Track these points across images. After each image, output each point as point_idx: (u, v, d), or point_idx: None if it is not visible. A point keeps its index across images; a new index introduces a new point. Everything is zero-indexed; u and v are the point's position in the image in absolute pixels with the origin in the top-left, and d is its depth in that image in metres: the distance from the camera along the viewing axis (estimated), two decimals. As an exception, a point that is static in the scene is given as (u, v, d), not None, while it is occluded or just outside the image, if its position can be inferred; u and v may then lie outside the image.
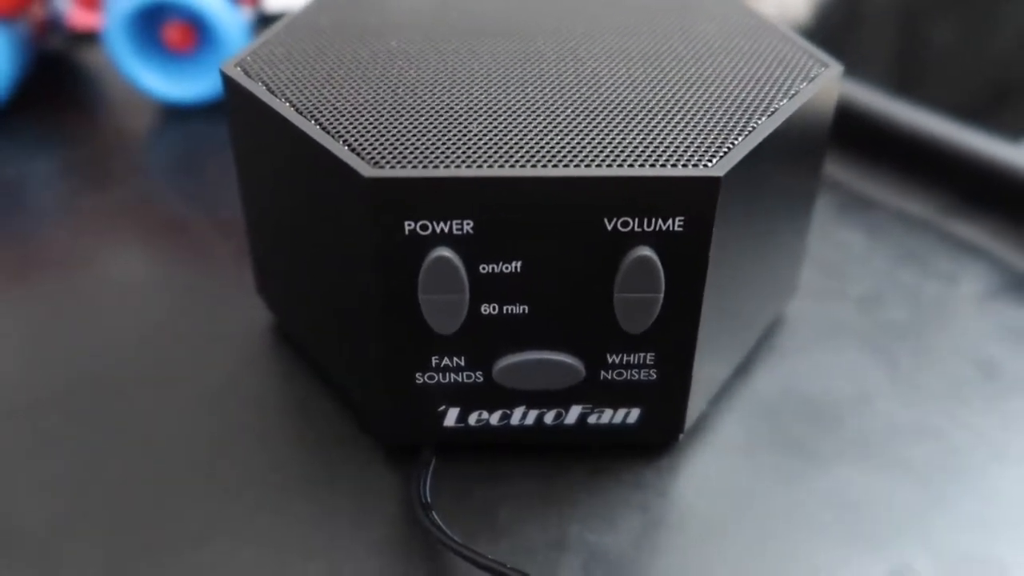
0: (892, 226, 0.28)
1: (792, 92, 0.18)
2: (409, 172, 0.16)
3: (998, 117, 0.56)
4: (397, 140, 0.16)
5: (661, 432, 0.19)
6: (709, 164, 0.16)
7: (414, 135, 0.17)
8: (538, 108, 0.17)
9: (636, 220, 0.16)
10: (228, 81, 0.19)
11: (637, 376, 0.18)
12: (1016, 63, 0.57)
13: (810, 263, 0.26)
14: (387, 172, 0.16)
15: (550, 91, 0.18)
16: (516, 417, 0.19)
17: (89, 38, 0.40)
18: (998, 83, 0.57)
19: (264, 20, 0.41)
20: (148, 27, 0.34)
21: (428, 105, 0.18)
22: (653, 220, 0.16)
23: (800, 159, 0.20)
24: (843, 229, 0.28)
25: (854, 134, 0.31)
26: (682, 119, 0.17)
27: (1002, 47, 0.58)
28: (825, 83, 0.19)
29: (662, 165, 0.16)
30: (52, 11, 0.38)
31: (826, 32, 0.63)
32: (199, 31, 0.34)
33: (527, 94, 0.18)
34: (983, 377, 0.22)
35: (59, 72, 0.39)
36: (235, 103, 0.19)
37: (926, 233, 0.28)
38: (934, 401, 0.22)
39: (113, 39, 0.33)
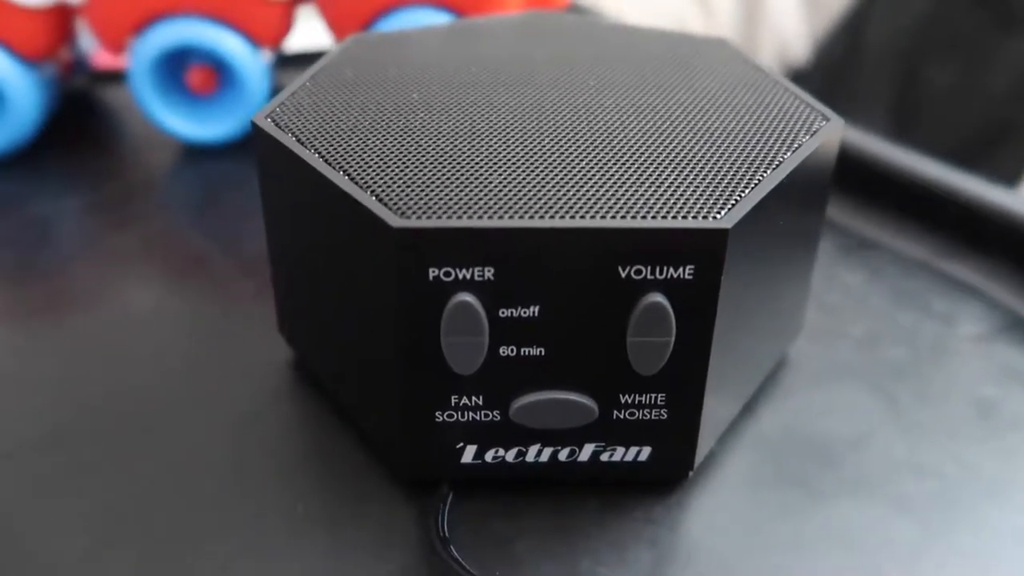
0: (891, 267, 0.29)
1: (796, 145, 0.19)
2: (434, 223, 0.16)
3: (994, 160, 0.57)
4: (422, 191, 0.17)
5: (671, 469, 0.20)
6: (718, 216, 0.17)
7: (437, 186, 0.17)
8: (553, 160, 0.18)
9: (648, 268, 0.17)
10: (258, 131, 0.20)
11: (648, 416, 0.19)
12: (1011, 107, 0.59)
13: (812, 304, 0.27)
14: (413, 223, 0.16)
15: (564, 143, 0.19)
16: (531, 454, 0.19)
17: (113, 78, 0.42)
18: (994, 126, 0.58)
19: (283, 61, 0.42)
20: (172, 70, 0.35)
21: (450, 156, 0.18)
22: (664, 268, 0.17)
23: (804, 208, 0.21)
24: (843, 271, 0.29)
25: (853, 178, 0.32)
26: (691, 172, 0.18)
27: (998, 91, 0.59)
28: (827, 136, 0.20)
29: (673, 217, 0.17)
30: (78, 52, 0.39)
31: (824, 75, 0.65)
32: (221, 74, 0.35)
33: (543, 146, 0.19)
34: (980, 416, 0.23)
35: (84, 111, 0.40)
36: (264, 152, 0.20)
37: (924, 274, 0.29)
38: (932, 439, 0.22)
39: (138, 82, 0.34)
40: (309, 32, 0.44)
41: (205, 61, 0.35)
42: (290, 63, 0.42)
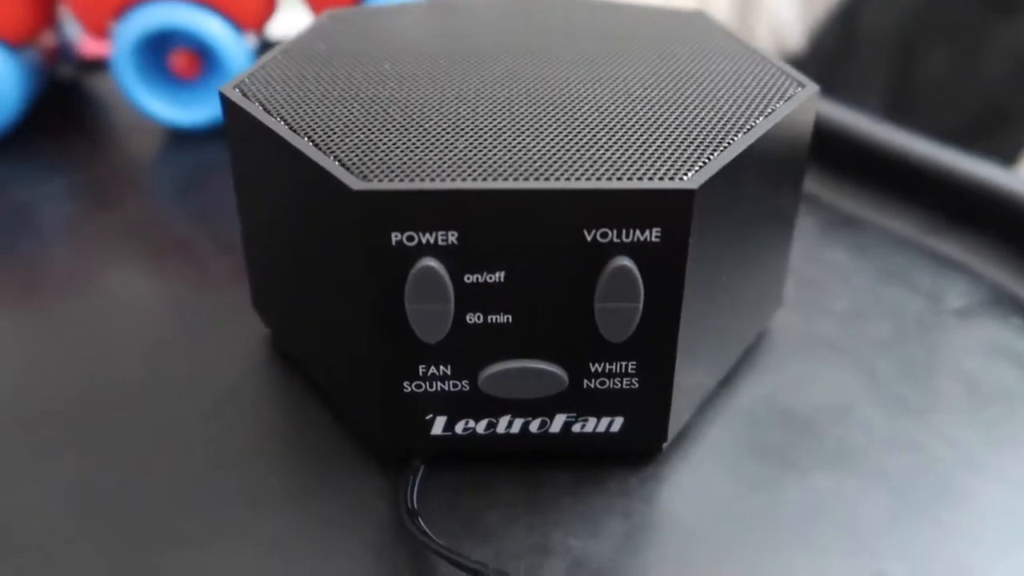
0: (876, 244, 0.29)
1: (769, 111, 0.19)
2: (396, 185, 0.16)
3: (990, 144, 0.57)
4: (386, 156, 0.17)
5: (645, 441, 0.20)
6: (684, 177, 0.17)
7: (402, 151, 0.17)
8: (522, 126, 0.18)
9: (614, 231, 0.17)
10: (226, 102, 0.20)
11: (619, 385, 0.19)
12: (1007, 91, 0.58)
13: (796, 280, 0.26)
14: (375, 185, 0.16)
15: (535, 111, 0.19)
16: (502, 426, 0.19)
17: (99, 66, 0.42)
18: (989, 111, 0.58)
19: (267, 47, 0.42)
20: (154, 54, 0.35)
21: (417, 124, 0.18)
22: (631, 231, 0.17)
23: (778, 175, 0.20)
24: (828, 248, 0.29)
25: (838, 155, 0.32)
26: (660, 135, 0.18)
27: (993, 76, 0.59)
28: (802, 102, 0.20)
29: (639, 178, 0.16)
30: (63, 39, 0.39)
31: (820, 62, 0.64)
32: (204, 58, 0.35)
33: (512, 114, 0.19)
34: (963, 391, 0.23)
35: (69, 98, 0.40)
36: (233, 123, 0.20)
37: (909, 250, 0.28)
38: (914, 414, 0.22)
39: (120, 66, 0.34)
40: (295, 18, 0.44)
41: (188, 45, 0.35)
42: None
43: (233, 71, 0.34)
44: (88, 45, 0.42)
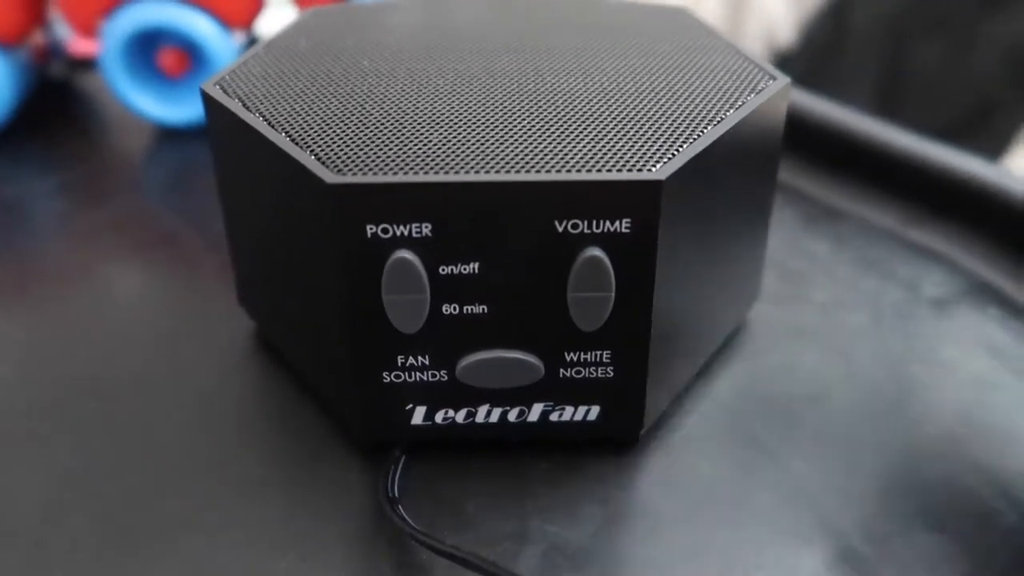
0: (857, 236, 0.29)
1: (739, 103, 0.19)
2: (370, 178, 0.17)
3: (979, 138, 0.57)
4: (361, 150, 0.17)
5: (621, 429, 0.20)
6: (653, 169, 0.17)
7: (377, 145, 0.18)
8: (496, 120, 0.18)
9: (585, 222, 0.17)
10: (207, 98, 0.20)
11: (595, 374, 0.19)
12: (996, 86, 0.58)
13: (776, 272, 0.27)
14: (349, 179, 0.17)
15: (509, 104, 0.19)
16: (481, 415, 0.19)
17: (88, 64, 0.42)
18: (979, 105, 0.58)
19: (255, 44, 0.42)
20: (143, 52, 0.35)
21: (393, 118, 0.19)
22: (601, 222, 0.17)
23: (750, 167, 0.21)
24: (809, 239, 0.29)
25: (819, 147, 0.32)
26: (631, 128, 0.18)
27: (983, 70, 0.59)
28: (773, 95, 0.20)
29: (608, 170, 0.17)
30: (53, 38, 0.40)
31: (811, 58, 0.65)
32: (192, 56, 0.35)
33: (487, 107, 0.19)
34: (940, 377, 0.23)
35: (59, 97, 0.40)
36: (214, 119, 0.21)
37: (890, 242, 0.29)
38: (889, 403, 0.22)
39: (109, 64, 0.35)
40: (282, 16, 0.44)
41: (176, 43, 0.35)
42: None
43: (221, 68, 0.35)
44: (78, 44, 0.42)
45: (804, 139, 0.32)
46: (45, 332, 0.25)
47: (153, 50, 0.35)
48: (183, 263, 0.28)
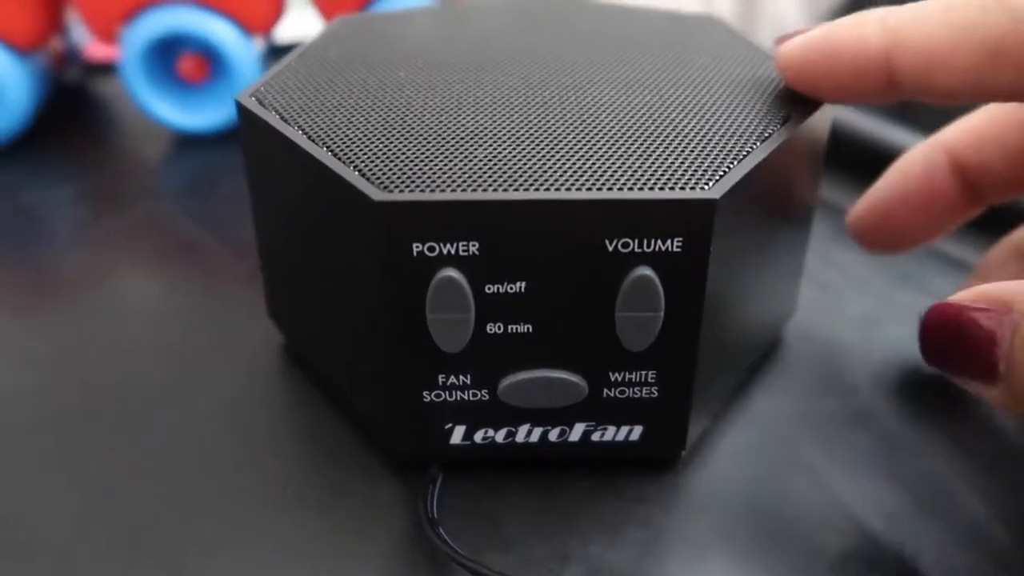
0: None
1: (787, 117, 0.19)
2: (417, 196, 0.16)
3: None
4: (405, 166, 0.17)
5: (664, 448, 0.20)
6: (706, 187, 0.17)
7: (422, 161, 0.17)
8: (540, 135, 0.18)
9: (636, 241, 0.17)
10: (243, 110, 0.20)
11: (639, 394, 0.19)
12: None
13: (809, 284, 0.26)
14: (396, 196, 0.16)
15: (552, 119, 0.19)
16: (521, 435, 0.19)
17: (105, 69, 0.42)
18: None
19: (275, 51, 0.42)
20: (163, 58, 0.35)
21: (435, 132, 0.18)
22: (652, 241, 0.17)
23: (796, 182, 0.20)
24: (841, 251, 0.29)
25: (851, 158, 0.32)
26: (680, 144, 0.18)
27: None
28: (819, 110, 0.20)
29: (660, 188, 0.16)
30: (70, 43, 0.39)
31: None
32: (212, 62, 0.35)
33: (530, 122, 0.19)
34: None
35: (76, 102, 0.40)
36: (249, 131, 0.20)
37: (922, 253, 0.28)
38: (931, 418, 0.22)
39: (129, 71, 0.34)
40: (302, 22, 0.44)
41: (196, 49, 0.35)
42: (282, 53, 0.42)
43: (241, 75, 0.34)
44: (94, 49, 0.42)
45: (832, 148, 0.32)
46: (68, 341, 0.25)
47: (173, 56, 0.35)
48: (205, 272, 0.28)
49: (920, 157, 0.23)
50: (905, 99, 0.18)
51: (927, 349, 0.18)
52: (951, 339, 0.17)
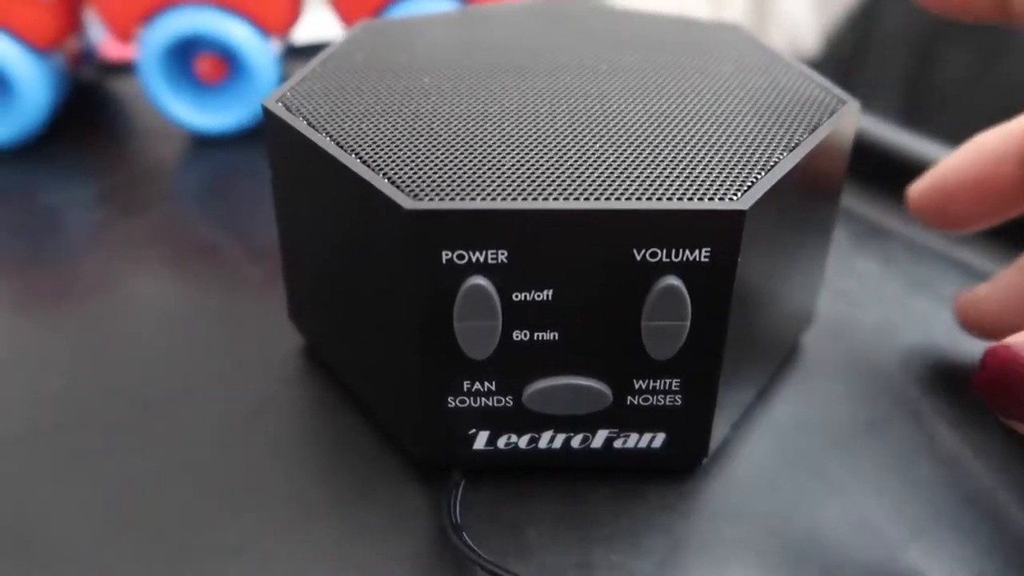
0: (905, 255, 0.29)
1: (813, 127, 0.19)
2: (447, 204, 0.16)
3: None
4: (434, 173, 0.17)
5: (686, 456, 0.20)
6: (735, 198, 0.17)
7: (450, 169, 0.17)
8: (567, 142, 0.18)
9: (664, 251, 0.17)
10: (269, 115, 0.20)
11: (663, 401, 0.19)
12: (1026, 93, 0.58)
13: (826, 291, 0.26)
14: (426, 204, 0.16)
15: (578, 126, 0.19)
16: (544, 441, 0.19)
17: (122, 69, 0.42)
18: (1009, 113, 0.57)
19: (293, 52, 0.42)
20: (180, 59, 0.35)
21: (462, 140, 0.18)
22: (680, 251, 0.17)
23: (820, 192, 0.20)
24: (857, 258, 0.29)
25: (866, 164, 0.32)
26: (707, 153, 0.18)
27: (1013, 78, 0.58)
28: (844, 118, 0.20)
29: (689, 198, 0.16)
30: (86, 43, 0.39)
31: (836, 65, 0.64)
32: (230, 63, 0.35)
33: (556, 129, 0.19)
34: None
35: (93, 102, 0.40)
36: (275, 136, 0.20)
37: (938, 261, 0.28)
38: (949, 426, 0.22)
39: (147, 72, 0.34)
40: (318, 23, 0.44)
41: (214, 50, 0.35)
42: (299, 54, 0.42)
43: (259, 76, 0.34)
44: (110, 48, 0.42)
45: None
46: (86, 344, 0.25)
47: (190, 57, 0.35)
48: (225, 274, 0.28)
49: (993, 143, 0.23)
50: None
51: (988, 395, 0.17)
52: (1014, 386, 0.16)
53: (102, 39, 0.41)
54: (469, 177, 0.17)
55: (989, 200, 0.23)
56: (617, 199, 0.16)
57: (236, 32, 0.34)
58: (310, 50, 0.42)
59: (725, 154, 0.18)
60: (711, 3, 0.67)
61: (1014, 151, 0.22)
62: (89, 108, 0.39)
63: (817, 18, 0.67)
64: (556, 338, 0.18)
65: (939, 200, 0.23)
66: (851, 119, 0.20)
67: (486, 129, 0.19)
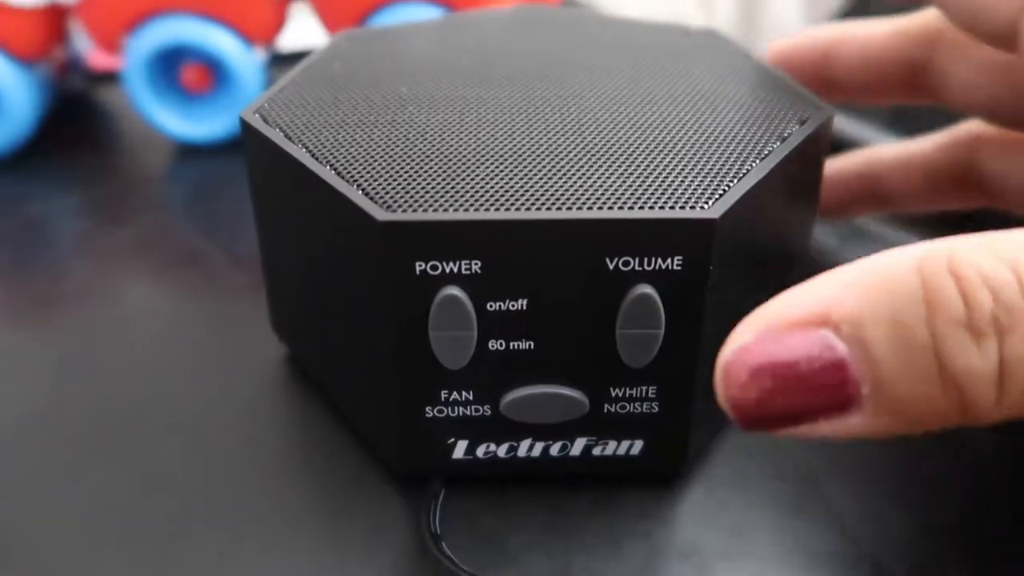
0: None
1: (785, 135, 0.19)
2: (420, 216, 0.16)
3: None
4: (408, 185, 0.17)
5: (665, 463, 0.20)
6: (705, 206, 0.17)
7: (424, 180, 0.17)
8: (542, 152, 0.18)
9: (636, 260, 0.17)
10: (247, 127, 0.20)
11: (640, 409, 0.19)
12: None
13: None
14: (399, 216, 0.16)
15: (553, 136, 0.19)
16: (523, 449, 0.19)
17: (108, 78, 0.42)
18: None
19: (278, 60, 0.42)
20: (166, 69, 0.35)
21: (437, 150, 0.18)
22: (653, 259, 0.17)
23: (795, 199, 0.20)
24: (838, 260, 0.29)
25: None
26: (679, 162, 0.18)
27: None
28: (817, 125, 0.20)
29: (660, 207, 0.17)
30: (72, 52, 0.39)
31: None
32: (215, 72, 0.35)
33: (531, 139, 0.19)
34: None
35: (79, 111, 0.40)
36: (253, 148, 0.20)
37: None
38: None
39: (132, 81, 0.34)
40: (303, 30, 0.44)
41: (199, 59, 0.35)
42: (284, 62, 0.42)
43: (244, 85, 0.34)
44: (96, 57, 0.42)
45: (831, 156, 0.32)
46: (72, 354, 0.25)
47: (175, 66, 0.35)
48: (210, 284, 0.28)
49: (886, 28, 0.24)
50: None
51: (760, 414, 0.14)
52: (792, 389, 0.14)
53: (88, 49, 0.41)
54: (443, 188, 0.17)
55: (872, 66, 0.23)
56: (589, 208, 0.17)
57: (220, 41, 0.34)
58: (296, 57, 0.43)
59: (698, 162, 0.18)
60: (700, 5, 0.67)
61: (912, 29, 0.23)
62: (75, 118, 0.39)
63: (805, 18, 0.67)
64: (532, 347, 0.18)
65: (816, 58, 0.24)
66: (826, 126, 0.21)
67: (461, 139, 0.19)
